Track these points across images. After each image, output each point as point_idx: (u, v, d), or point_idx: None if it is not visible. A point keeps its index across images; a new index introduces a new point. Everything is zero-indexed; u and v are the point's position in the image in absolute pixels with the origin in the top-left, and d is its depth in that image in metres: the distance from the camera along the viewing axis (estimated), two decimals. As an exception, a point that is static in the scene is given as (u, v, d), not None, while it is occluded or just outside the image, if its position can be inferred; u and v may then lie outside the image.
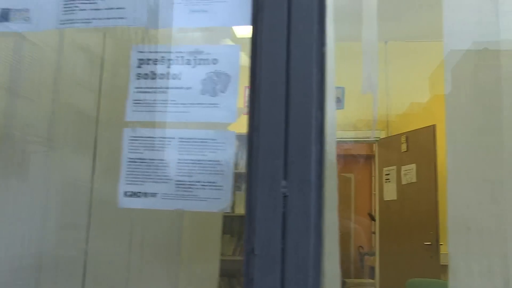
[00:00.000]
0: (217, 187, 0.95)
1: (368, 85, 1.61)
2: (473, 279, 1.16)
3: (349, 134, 4.70)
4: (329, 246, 1.24)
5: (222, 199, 0.96)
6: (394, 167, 4.33)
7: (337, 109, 4.67)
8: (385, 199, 4.50)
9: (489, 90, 1.34)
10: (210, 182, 0.95)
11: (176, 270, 1.27)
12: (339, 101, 4.58)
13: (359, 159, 8.40)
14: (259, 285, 0.86)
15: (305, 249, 0.86)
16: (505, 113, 1.28)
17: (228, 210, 0.97)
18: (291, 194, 0.87)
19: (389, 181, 4.41)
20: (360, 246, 8.23)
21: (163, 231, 1.24)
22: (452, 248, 1.18)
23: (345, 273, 8.12)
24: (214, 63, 0.97)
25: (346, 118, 4.64)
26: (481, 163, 1.25)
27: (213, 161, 0.96)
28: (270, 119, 0.89)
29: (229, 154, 0.97)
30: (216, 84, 0.97)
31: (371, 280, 5.93)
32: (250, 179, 0.89)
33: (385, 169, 4.49)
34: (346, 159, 8.68)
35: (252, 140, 0.90)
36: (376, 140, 4.65)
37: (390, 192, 4.39)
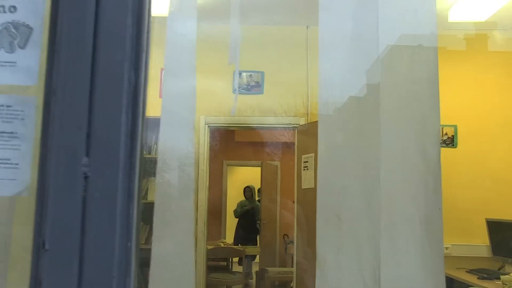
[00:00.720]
0: (12, 166, 0.76)
1: (232, 58, 1.53)
2: (342, 274, 1.04)
3: (269, 120, 4.58)
4: (185, 237, 1.09)
5: (18, 180, 0.76)
6: (312, 154, 4.26)
7: (257, 94, 4.54)
8: (303, 187, 4.43)
9: (367, 93, 1.26)
10: (2, 160, 0.75)
11: (5, 267, 1.08)
12: (259, 85, 4.45)
13: (290, 146, 8.37)
14: (48, 289, 0.68)
15: (109, 243, 0.69)
16: (383, 116, 1.20)
17: (27, 194, 0.78)
18: (94, 174, 0.69)
19: (307, 169, 4.33)
20: (285, 235, 8.23)
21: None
22: (321, 240, 1.06)
23: (271, 261, 8.10)
24: (12, 12, 0.77)
25: (266, 103, 4.52)
26: (352, 157, 1.14)
27: (7, 133, 0.76)
28: (72, 81, 0.71)
29: (28, 124, 0.77)
30: (14, 38, 0.77)
31: (292, 269, 5.89)
32: (43, 154, 0.70)
33: (303, 156, 4.40)
34: (275, 147, 8.64)
35: (49, 106, 0.71)
36: (295, 127, 4.56)
37: (308, 180, 4.32)
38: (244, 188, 8.73)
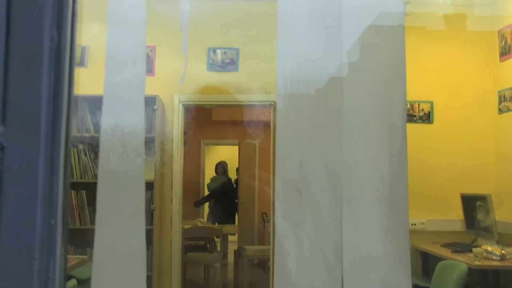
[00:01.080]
0: None
1: (183, 24, 1.46)
2: (301, 250, 0.99)
3: (245, 98, 4.50)
4: (136, 217, 1.01)
5: None
6: (288, 132, 4.20)
7: (232, 71, 4.45)
8: (279, 165, 4.38)
9: (330, 69, 1.21)
10: None
11: None
12: (233, 63, 4.35)
13: (269, 124, 8.29)
14: (-39, 273, 0.61)
15: (30, 222, 0.62)
16: (347, 90, 1.15)
17: None
18: (11, 144, 0.62)
19: (283, 147, 4.28)
20: (264, 213, 8.21)
21: None
22: (280, 215, 1.00)
23: (249, 240, 8.08)
24: None
25: (241, 81, 4.43)
26: (312, 131, 1.09)
27: None
28: (-16, 39, 0.62)
29: None
30: None
31: (269, 246, 5.87)
32: (-47, 124, 0.62)
33: (279, 134, 4.36)
34: (253, 125, 8.55)
35: (-41, 69, 0.63)
36: (272, 104, 4.49)
37: (284, 158, 4.27)
38: (216, 165, 8.65)
